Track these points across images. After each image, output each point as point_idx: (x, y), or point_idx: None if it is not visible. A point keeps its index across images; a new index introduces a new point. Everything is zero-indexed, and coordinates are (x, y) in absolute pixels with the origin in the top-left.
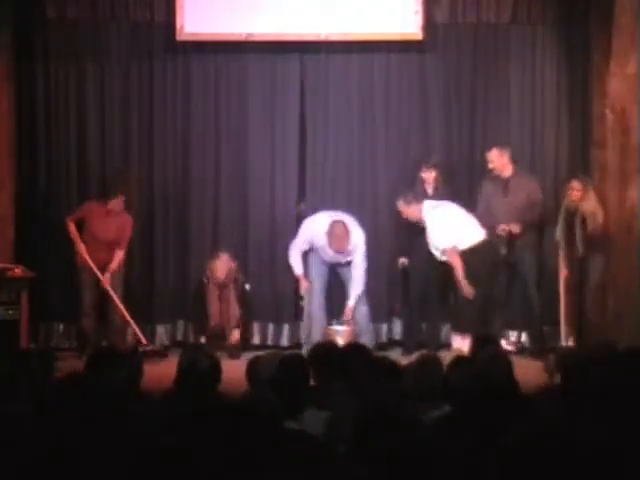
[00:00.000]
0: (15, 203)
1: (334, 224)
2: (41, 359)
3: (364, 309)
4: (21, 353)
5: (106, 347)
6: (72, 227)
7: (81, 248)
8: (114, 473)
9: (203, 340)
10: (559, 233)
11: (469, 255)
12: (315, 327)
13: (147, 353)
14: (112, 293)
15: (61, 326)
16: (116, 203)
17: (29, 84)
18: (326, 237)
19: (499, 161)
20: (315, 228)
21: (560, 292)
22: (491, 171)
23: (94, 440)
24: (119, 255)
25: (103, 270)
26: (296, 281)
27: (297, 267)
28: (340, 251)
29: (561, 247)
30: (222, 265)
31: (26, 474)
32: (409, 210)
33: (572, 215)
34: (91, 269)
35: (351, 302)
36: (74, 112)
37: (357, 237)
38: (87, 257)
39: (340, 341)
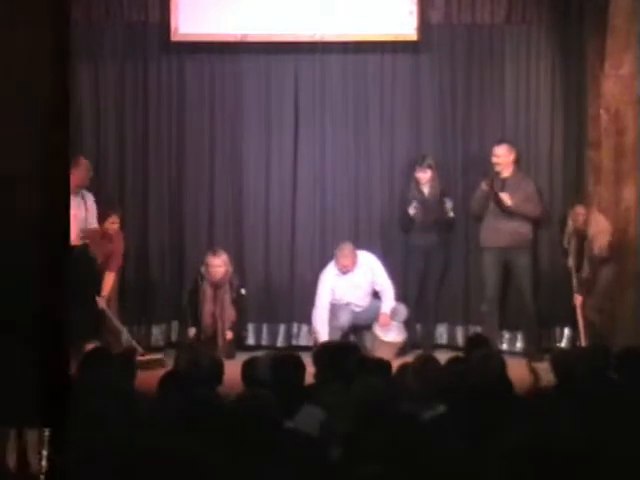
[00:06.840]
0: None
1: (341, 246)
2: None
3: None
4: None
5: (99, 347)
6: None
7: None
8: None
9: (193, 338)
10: (571, 260)
11: None
12: None
13: (143, 363)
14: (108, 313)
15: None
16: (110, 226)
17: None
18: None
19: (506, 158)
20: (327, 273)
21: (578, 317)
22: (497, 165)
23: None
24: (110, 278)
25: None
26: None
27: (323, 333)
28: (346, 268)
29: (573, 273)
30: (219, 263)
31: None
32: None
33: (581, 240)
34: None
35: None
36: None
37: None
38: None
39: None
